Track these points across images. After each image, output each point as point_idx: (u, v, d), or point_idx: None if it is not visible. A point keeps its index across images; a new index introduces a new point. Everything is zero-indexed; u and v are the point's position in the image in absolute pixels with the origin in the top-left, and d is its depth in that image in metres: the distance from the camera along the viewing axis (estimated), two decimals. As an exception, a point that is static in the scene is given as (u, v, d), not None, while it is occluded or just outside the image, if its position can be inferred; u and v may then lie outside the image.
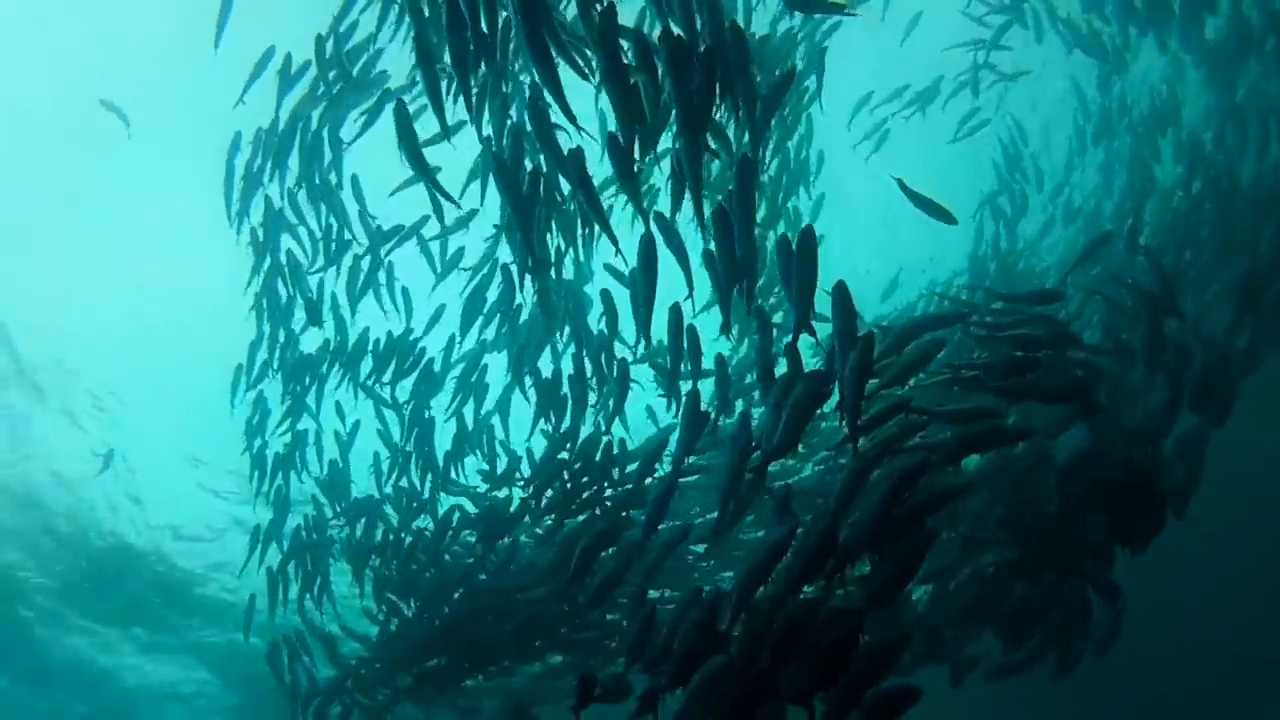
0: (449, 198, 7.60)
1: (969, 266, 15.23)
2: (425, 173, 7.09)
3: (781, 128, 10.33)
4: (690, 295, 6.72)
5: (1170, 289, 10.81)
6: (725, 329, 6.47)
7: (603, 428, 9.74)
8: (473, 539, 11.64)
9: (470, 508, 11.62)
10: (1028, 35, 13.45)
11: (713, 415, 7.87)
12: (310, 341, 10.89)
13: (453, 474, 11.06)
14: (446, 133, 6.65)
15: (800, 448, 13.16)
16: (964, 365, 9.20)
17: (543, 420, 9.83)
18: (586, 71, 6.48)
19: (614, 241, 6.69)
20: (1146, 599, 11.57)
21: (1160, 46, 12.45)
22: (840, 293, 6.11)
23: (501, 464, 11.23)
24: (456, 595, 11.90)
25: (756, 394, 9.84)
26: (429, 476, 11.18)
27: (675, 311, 7.28)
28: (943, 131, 14.88)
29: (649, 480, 9.35)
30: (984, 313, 9.57)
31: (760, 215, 10.68)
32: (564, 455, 9.93)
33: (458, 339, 10.13)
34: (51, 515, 20.23)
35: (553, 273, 8.58)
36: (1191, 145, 13.70)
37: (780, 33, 9.56)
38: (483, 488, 11.65)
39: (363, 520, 11.92)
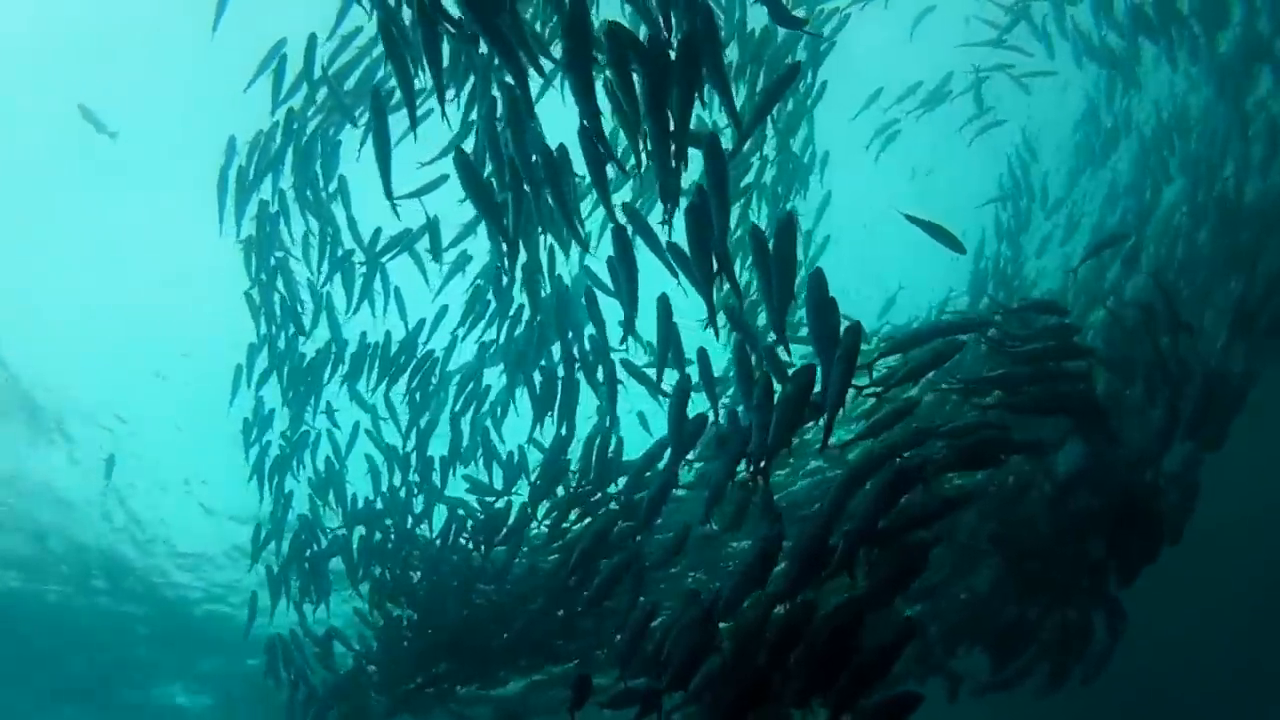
0: (389, 196, 7.22)
1: (970, 283, 15.17)
2: (384, 165, 6.89)
3: (784, 127, 10.29)
4: (678, 280, 6.50)
5: (1174, 310, 10.83)
6: (712, 322, 6.26)
7: (598, 431, 9.67)
8: (469, 547, 11.53)
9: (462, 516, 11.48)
10: (1039, 50, 13.46)
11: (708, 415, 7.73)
12: (312, 342, 10.82)
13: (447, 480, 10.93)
14: (414, 124, 6.49)
15: (791, 459, 13.27)
16: (974, 380, 9.19)
17: (537, 428, 9.70)
18: (546, 67, 6.37)
19: (581, 243, 6.56)
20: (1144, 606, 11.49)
21: (1170, 62, 12.42)
22: (817, 282, 5.88)
23: (497, 474, 11.10)
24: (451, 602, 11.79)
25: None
26: (422, 486, 11.12)
27: (662, 303, 7.19)
28: (950, 129, 14.87)
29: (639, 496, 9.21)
30: (1001, 325, 9.53)
31: (763, 219, 10.69)
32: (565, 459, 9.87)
33: (459, 339, 10.00)
34: (48, 534, 20.05)
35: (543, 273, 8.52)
36: (1197, 159, 13.67)
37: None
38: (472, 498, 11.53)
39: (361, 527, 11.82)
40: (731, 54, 8.93)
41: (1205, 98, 13.21)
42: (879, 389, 8.26)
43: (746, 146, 9.79)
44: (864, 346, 8.54)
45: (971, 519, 10.88)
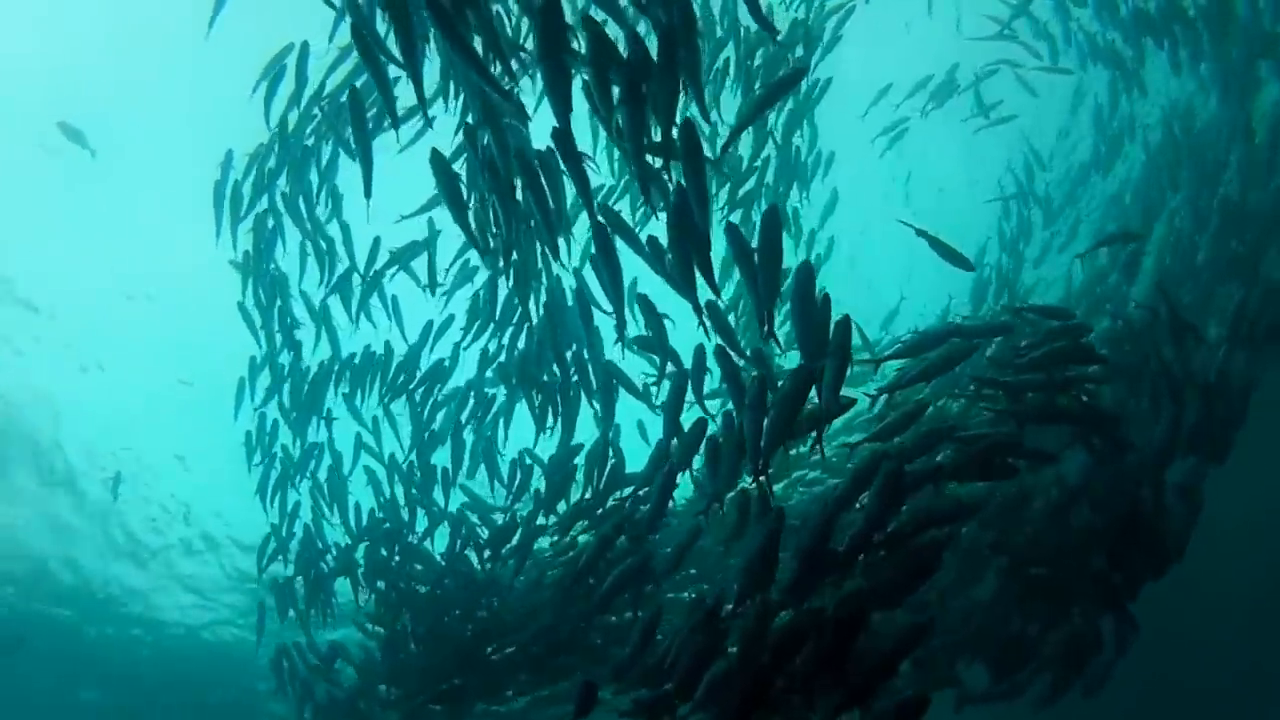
0: (368, 195, 7.05)
1: (971, 291, 15.14)
2: (366, 162, 6.86)
3: (786, 123, 10.25)
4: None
5: (1177, 315, 10.79)
6: (701, 322, 6.25)
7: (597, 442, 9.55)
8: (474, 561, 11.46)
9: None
10: (1044, 53, 13.45)
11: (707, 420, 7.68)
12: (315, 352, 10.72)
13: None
14: (396, 123, 6.49)
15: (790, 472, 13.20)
16: (986, 381, 9.10)
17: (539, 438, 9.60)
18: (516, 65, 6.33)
19: (554, 251, 6.54)
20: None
21: (1174, 67, 12.42)
22: (805, 274, 5.86)
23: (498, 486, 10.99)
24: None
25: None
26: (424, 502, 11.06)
27: (644, 302, 7.27)
28: (950, 132, 14.81)
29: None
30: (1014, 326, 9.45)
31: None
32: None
33: (463, 349, 9.92)
34: (50, 559, 20.06)
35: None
36: (1201, 161, 13.64)
37: (790, 23, 9.43)
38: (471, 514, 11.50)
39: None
40: (729, 51, 8.98)
41: (1208, 98, 13.21)
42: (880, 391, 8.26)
43: (748, 154, 9.79)
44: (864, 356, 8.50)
45: (972, 528, 10.78)
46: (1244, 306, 12.19)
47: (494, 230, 7.35)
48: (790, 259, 6.17)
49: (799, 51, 9.59)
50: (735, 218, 10.06)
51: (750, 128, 9.14)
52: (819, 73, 10.24)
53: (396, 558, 11.75)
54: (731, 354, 6.80)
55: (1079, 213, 15.56)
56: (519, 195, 6.59)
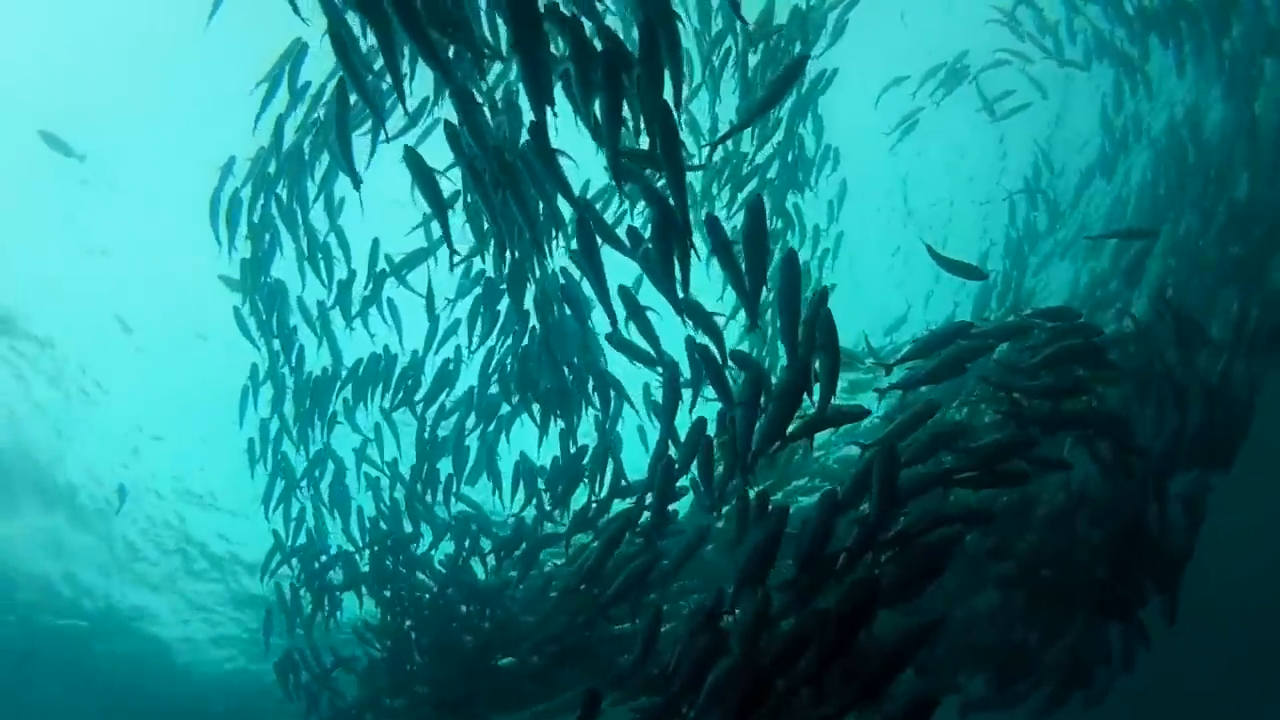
0: (355, 180, 7.04)
1: (975, 297, 15.07)
2: (348, 160, 6.82)
3: (790, 118, 10.17)
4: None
5: (1180, 318, 10.71)
6: (678, 311, 6.24)
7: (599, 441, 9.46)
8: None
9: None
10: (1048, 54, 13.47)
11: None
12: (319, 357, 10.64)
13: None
14: (382, 123, 6.54)
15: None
16: (1001, 384, 9.00)
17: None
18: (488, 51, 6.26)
19: (540, 247, 6.45)
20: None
21: (1178, 67, 12.39)
22: (790, 265, 5.80)
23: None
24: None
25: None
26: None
27: (625, 294, 7.19)
28: (963, 120, 14.76)
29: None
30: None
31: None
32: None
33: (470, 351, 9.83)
34: (52, 578, 20.09)
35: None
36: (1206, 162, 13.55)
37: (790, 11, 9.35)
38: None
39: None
40: (729, 43, 8.94)
41: (1210, 88, 13.15)
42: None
43: (751, 149, 9.74)
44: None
45: (974, 535, 10.65)
46: (1245, 312, 12.10)
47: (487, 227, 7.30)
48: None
49: (797, 47, 9.49)
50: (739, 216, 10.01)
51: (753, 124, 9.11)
52: (824, 62, 10.15)
53: (402, 569, 11.67)
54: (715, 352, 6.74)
55: (1082, 217, 15.54)
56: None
